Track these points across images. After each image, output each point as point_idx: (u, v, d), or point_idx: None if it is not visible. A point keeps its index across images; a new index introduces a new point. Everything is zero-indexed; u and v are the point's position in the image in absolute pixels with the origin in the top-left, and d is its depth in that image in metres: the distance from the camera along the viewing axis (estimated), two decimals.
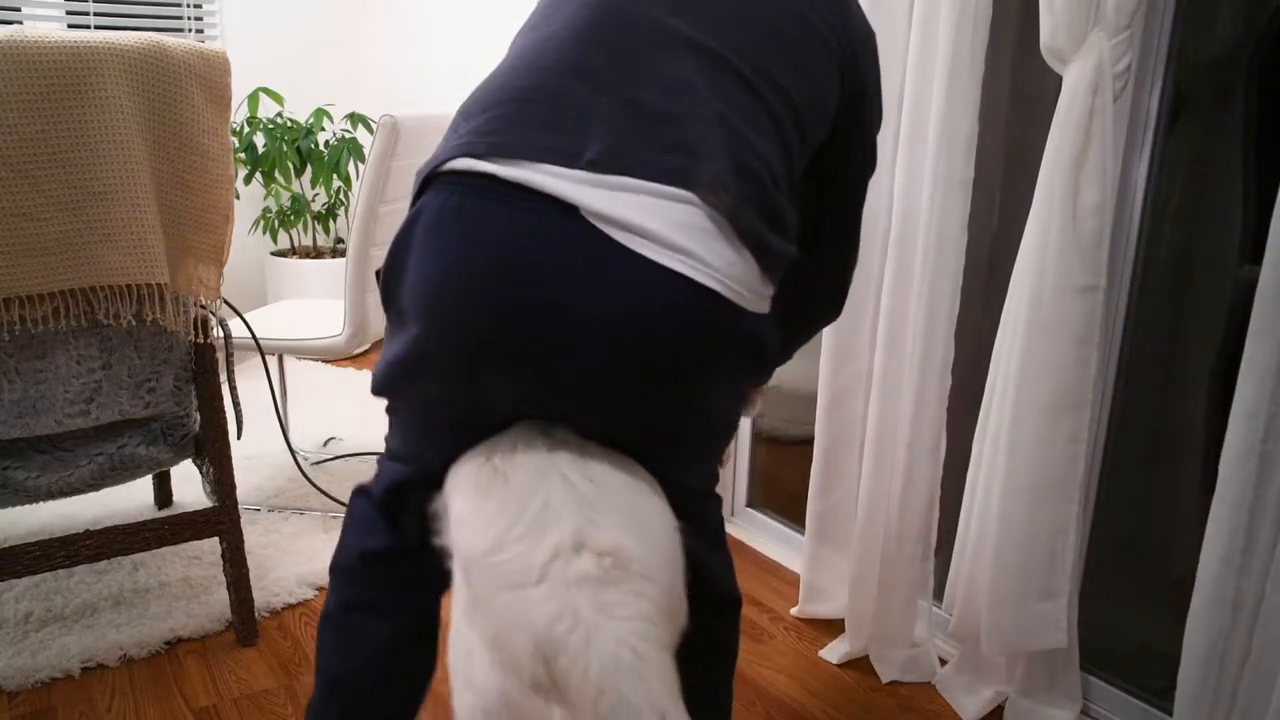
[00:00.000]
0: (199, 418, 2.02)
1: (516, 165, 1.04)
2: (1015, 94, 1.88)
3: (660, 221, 1.02)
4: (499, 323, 1.03)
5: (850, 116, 1.30)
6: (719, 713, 1.36)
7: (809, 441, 2.14)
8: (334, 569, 1.32)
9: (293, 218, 4.09)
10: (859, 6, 1.32)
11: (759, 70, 1.13)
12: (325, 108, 4.09)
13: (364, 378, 3.87)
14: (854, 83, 1.27)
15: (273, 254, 4.13)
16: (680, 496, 1.15)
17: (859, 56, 1.27)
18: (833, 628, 2.15)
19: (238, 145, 3.86)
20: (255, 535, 2.48)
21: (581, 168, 1.03)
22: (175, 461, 2.05)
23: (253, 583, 2.20)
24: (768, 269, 1.10)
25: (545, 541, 0.99)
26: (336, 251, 4.29)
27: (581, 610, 0.94)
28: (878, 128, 1.39)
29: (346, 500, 1.69)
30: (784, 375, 2.14)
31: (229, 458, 1.99)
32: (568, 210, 1.02)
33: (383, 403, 1.25)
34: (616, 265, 1.02)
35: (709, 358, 1.07)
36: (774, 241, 1.09)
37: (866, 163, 1.38)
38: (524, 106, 1.08)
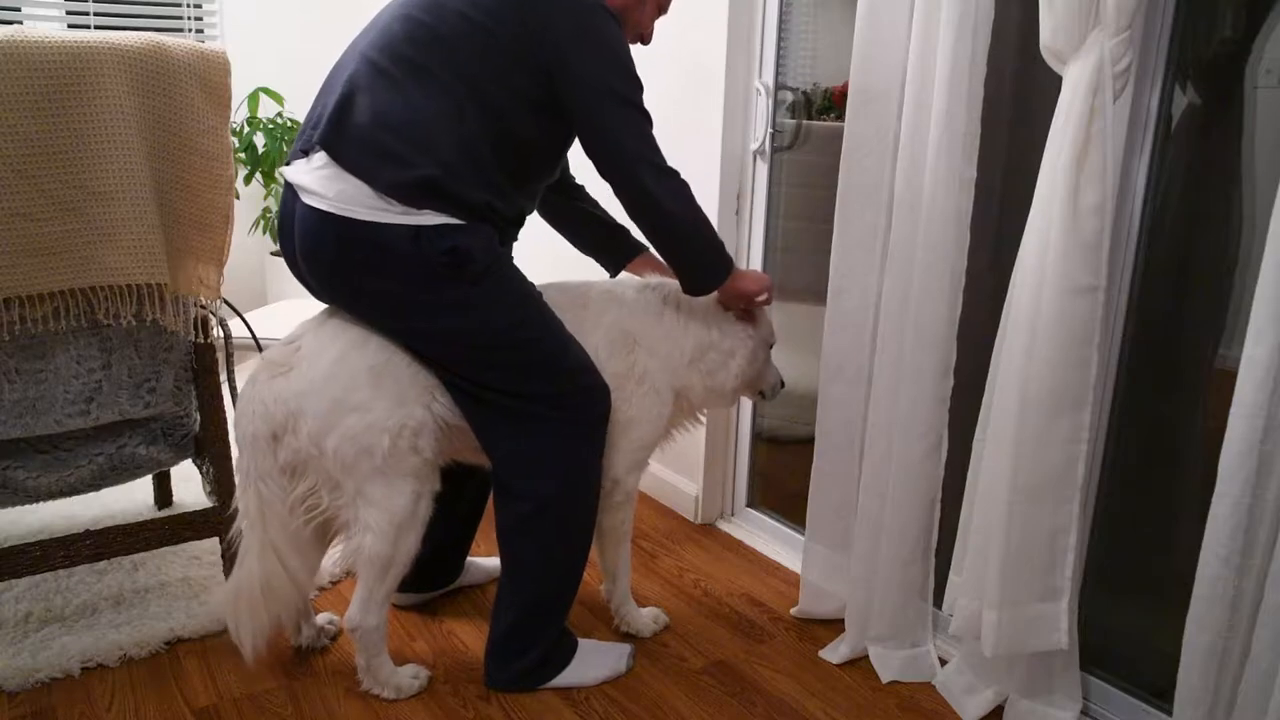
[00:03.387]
0: (199, 418, 2.02)
1: (286, 166, 1.72)
2: (1015, 94, 1.88)
3: (308, 177, 1.65)
4: (288, 261, 1.76)
5: (554, 71, 1.65)
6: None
7: (809, 441, 2.14)
8: None
9: None
10: None
11: (402, 58, 1.62)
12: None
13: None
14: (545, 49, 1.63)
15: (273, 254, 4.12)
16: (449, 376, 1.73)
17: (545, 31, 1.62)
18: (833, 628, 2.15)
19: (238, 145, 3.86)
20: None
21: (294, 156, 1.70)
22: (175, 461, 2.05)
23: None
24: (388, 190, 1.59)
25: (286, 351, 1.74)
26: None
27: (259, 376, 1.72)
28: (597, 76, 1.65)
29: None
30: (784, 375, 2.14)
31: (229, 458, 1.99)
32: (291, 186, 1.68)
33: None
34: (299, 213, 1.66)
35: (342, 256, 1.65)
36: (380, 166, 1.59)
37: (589, 103, 1.66)
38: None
